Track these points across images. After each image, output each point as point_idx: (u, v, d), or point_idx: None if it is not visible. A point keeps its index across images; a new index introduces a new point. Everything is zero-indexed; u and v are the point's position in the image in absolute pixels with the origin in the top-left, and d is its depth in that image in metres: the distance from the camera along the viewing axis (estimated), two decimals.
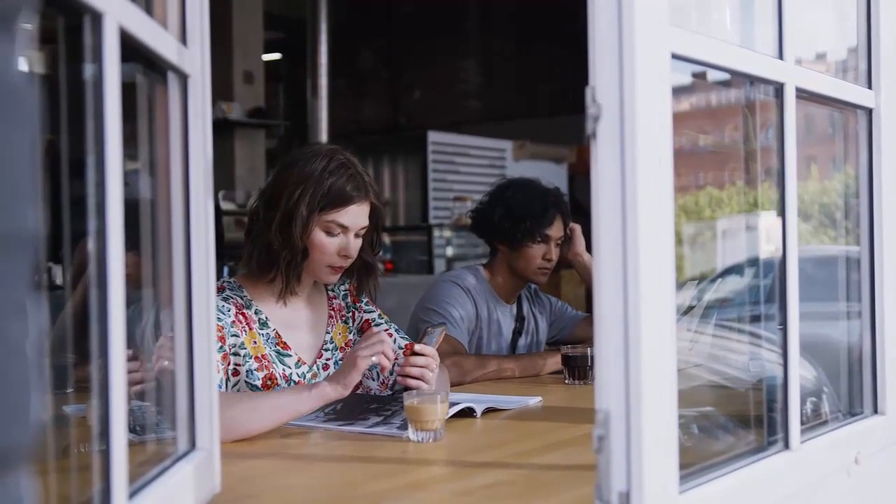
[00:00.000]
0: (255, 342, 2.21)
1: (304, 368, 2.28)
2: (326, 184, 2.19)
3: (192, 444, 1.38)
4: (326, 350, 2.36)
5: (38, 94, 0.62)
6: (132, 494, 1.10)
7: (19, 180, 0.59)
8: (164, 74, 1.34)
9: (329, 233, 2.22)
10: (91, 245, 1.03)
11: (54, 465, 1.22)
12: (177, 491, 1.26)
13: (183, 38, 1.36)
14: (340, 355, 2.37)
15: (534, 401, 2.37)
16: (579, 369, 2.67)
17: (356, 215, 2.24)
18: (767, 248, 2.00)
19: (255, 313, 2.24)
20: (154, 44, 1.20)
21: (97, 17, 1.00)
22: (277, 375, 2.21)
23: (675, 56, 1.25)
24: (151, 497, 1.15)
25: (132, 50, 1.13)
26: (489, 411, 2.21)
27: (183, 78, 1.36)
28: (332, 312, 2.41)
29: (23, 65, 0.61)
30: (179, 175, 1.37)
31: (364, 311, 2.46)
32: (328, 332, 2.37)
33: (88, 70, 1.03)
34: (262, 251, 2.22)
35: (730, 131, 2.10)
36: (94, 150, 1.02)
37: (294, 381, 2.24)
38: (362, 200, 2.24)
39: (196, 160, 1.38)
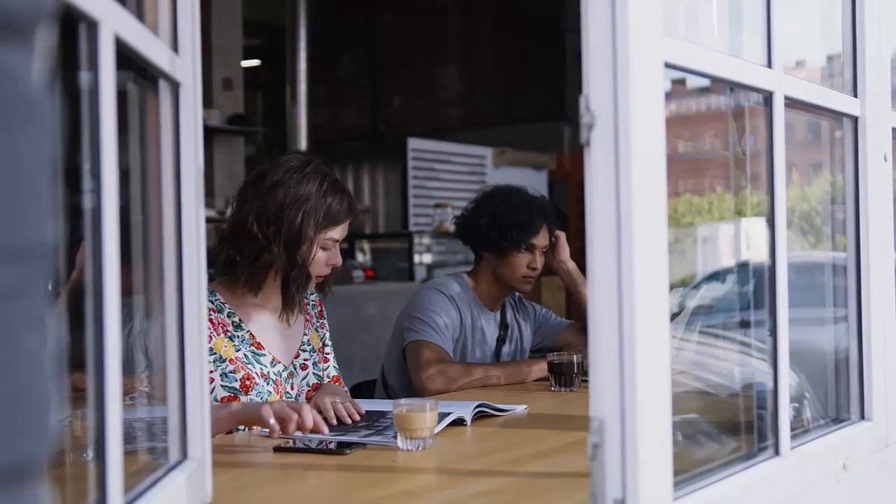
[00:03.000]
0: (226, 346, 2.26)
1: (280, 367, 2.35)
2: (326, 204, 2.29)
3: (184, 454, 1.37)
4: (304, 350, 2.44)
5: (55, 105, 0.62)
6: None
7: (38, 191, 0.58)
8: (155, 82, 1.33)
9: (324, 248, 2.33)
10: (87, 254, 1.02)
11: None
12: (169, 501, 1.25)
13: (175, 47, 1.35)
14: (317, 357, 2.47)
15: (520, 409, 2.37)
16: (565, 376, 2.68)
17: (345, 228, 2.37)
18: (749, 255, 2.01)
19: (228, 316, 2.31)
20: (147, 52, 1.19)
21: (93, 26, 1.00)
22: (255, 374, 2.28)
23: (667, 65, 1.26)
24: None
25: (124, 57, 1.12)
26: (479, 416, 2.21)
27: (175, 86, 1.35)
28: (308, 316, 2.50)
29: (40, 75, 0.60)
30: (170, 183, 1.36)
31: (326, 329, 2.57)
32: (305, 334, 2.46)
33: (83, 77, 1.02)
34: (262, 270, 2.29)
35: (709, 138, 2.11)
36: (90, 158, 1.01)
37: (272, 380, 2.31)
38: (353, 215, 2.38)
39: (188, 168, 1.37)
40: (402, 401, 1.97)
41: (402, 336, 2.96)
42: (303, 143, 8.93)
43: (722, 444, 1.71)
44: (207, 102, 7.42)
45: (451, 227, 3.19)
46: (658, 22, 1.22)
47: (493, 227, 3.03)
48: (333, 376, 2.49)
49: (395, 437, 1.91)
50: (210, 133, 7.48)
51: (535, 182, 7.67)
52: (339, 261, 2.37)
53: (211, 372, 2.20)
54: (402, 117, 10.15)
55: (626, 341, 1.17)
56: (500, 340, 3.16)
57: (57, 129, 0.62)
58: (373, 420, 2.17)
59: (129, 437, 1.42)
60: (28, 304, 0.58)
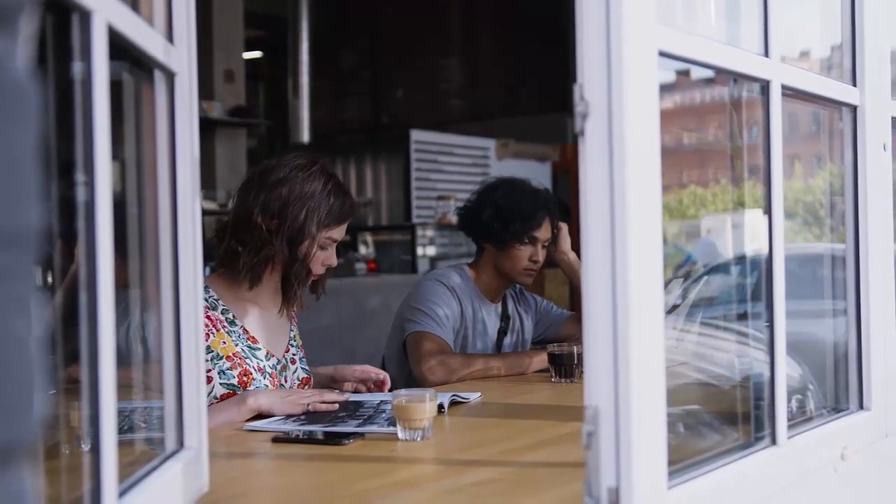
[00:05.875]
0: (224, 342, 2.29)
1: (274, 361, 2.39)
2: (329, 204, 2.33)
3: (181, 444, 1.38)
4: (292, 346, 2.49)
5: (38, 92, 0.62)
6: (121, 494, 1.10)
7: (23, 177, 0.59)
8: (150, 73, 1.33)
9: (322, 247, 2.36)
10: (80, 246, 1.02)
11: (41, 464, 1.22)
12: (166, 490, 1.26)
13: (170, 36, 1.35)
14: (302, 353, 2.52)
15: (475, 396, 2.41)
16: (565, 367, 2.68)
17: (344, 230, 2.41)
18: (752, 247, 2.01)
19: (222, 313, 2.33)
20: (141, 42, 1.19)
21: (86, 15, 1.00)
22: (252, 369, 2.31)
23: (662, 53, 1.26)
24: (141, 496, 1.15)
25: (118, 48, 1.12)
26: (454, 404, 2.26)
27: (170, 76, 1.35)
28: (293, 314, 2.53)
29: (24, 62, 0.60)
30: (166, 174, 1.36)
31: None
32: (292, 330, 2.51)
33: (76, 68, 1.02)
34: (263, 263, 2.32)
35: (713, 129, 2.10)
36: (83, 149, 1.01)
37: (268, 373, 2.34)
38: (353, 217, 2.42)
39: (183, 159, 1.37)
40: (402, 391, 1.98)
41: (402, 327, 2.96)
42: (305, 136, 8.94)
43: (720, 434, 1.71)
44: (209, 94, 7.43)
45: (454, 219, 3.20)
46: (652, 10, 1.22)
47: (495, 219, 3.02)
48: (303, 378, 2.50)
49: (388, 423, 1.92)
50: (212, 125, 7.48)
51: (538, 174, 7.67)
52: (334, 261, 2.41)
53: (209, 371, 2.22)
54: (404, 109, 10.16)
55: (621, 329, 1.17)
56: (502, 332, 3.16)
57: (41, 116, 0.62)
58: (353, 410, 2.17)
59: (129, 428, 1.42)
60: (13, 289, 0.59)
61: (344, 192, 2.39)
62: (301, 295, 2.42)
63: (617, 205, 1.17)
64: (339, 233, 2.38)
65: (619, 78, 1.17)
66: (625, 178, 1.17)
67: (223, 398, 2.23)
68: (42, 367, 0.62)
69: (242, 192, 2.36)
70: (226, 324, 2.32)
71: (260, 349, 2.36)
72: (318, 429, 1.99)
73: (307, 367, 2.51)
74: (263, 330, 2.40)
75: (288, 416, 2.12)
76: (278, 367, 2.39)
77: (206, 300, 2.30)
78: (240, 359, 2.29)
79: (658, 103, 1.24)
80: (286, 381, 2.41)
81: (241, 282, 2.34)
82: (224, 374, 2.26)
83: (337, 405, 2.19)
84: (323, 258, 2.37)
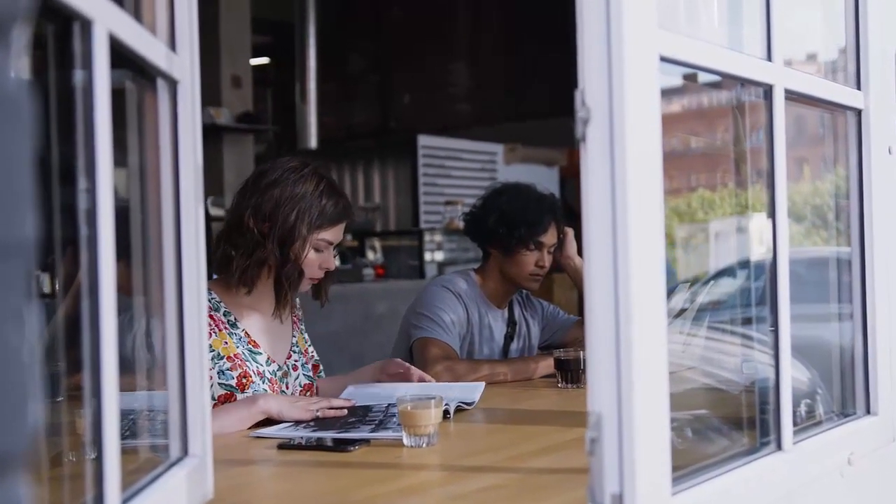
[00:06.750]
0: (225, 343, 2.30)
1: (275, 367, 2.38)
2: (321, 205, 2.32)
3: (185, 451, 1.38)
4: (294, 352, 2.48)
5: (33, 102, 0.62)
6: (125, 501, 1.10)
7: (17, 187, 0.59)
8: (153, 80, 1.33)
9: (317, 249, 2.35)
10: (82, 253, 1.02)
11: (46, 472, 1.22)
12: (169, 498, 1.26)
13: (172, 44, 1.36)
14: (304, 359, 2.50)
15: (478, 389, 2.42)
16: (572, 373, 2.67)
17: (341, 232, 2.39)
18: (759, 250, 2.01)
19: (224, 315, 2.34)
20: (143, 50, 1.20)
21: (87, 24, 1.00)
22: (251, 372, 2.31)
23: (663, 59, 1.26)
24: None
25: (121, 56, 1.12)
26: (459, 410, 2.26)
27: (172, 84, 1.36)
28: (295, 320, 2.53)
29: (19, 72, 0.61)
30: (169, 181, 1.37)
31: (305, 333, 2.59)
32: (294, 337, 2.50)
33: (78, 76, 1.02)
34: (256, 266, 2.31)
35: (721, 133, 2.10)
36: (85, 157, 1.01)
37: (267, 378, 2.34)
38: (348, 219, 2.40)
39: (186, 166, 1.38)
40: (407, 397, 1.97)
41: (408, 333, 2.96)
42: (312, 141, 8.94)
43: (726, 439, 1.71)
44: (216, 101, 7.42)
45: (461, 224, 3.23)
46: (653, 15, 1.22)
47: (501, 224, 3.02)
48: (305, 384, 2.50)
49: (400, 428, 1.92)
50: (219, 131, 7.48)
51: (546, 178, 7.67)
52: (331, 265, 2.40)
53: (209, 369, 2.22)
54: (412, 114, 10.15)
55: (623, 335, 1.17)
56: (509, 337, 3.16)
57: (38, 125, 0.62)
58: (362, 415, 2.17)
59: (131, 434, 1.42)
60: (8, 299, 0.59)
61: (337, 194, 2.37)
62: (293, 298, 2.42)
63: (619, 210, 1.17)
64: (333, 235, 2.36)
65: (621, 83, 1.17)
66: (626, 182, 1.16)
67: (221, 399, 2.24)
68: (37, 376, 0.62)
69: (238, 197, 2.37)
70: (227, 325, 2.32)
71: (261, 354, 2.35)
72: (329, 435, 1.99)
73: (310, 374, 2.50)
74: (265, 335, 2.39)
75: (297, 423, 2.12)
76: (279, 373, 2.39)
77: (210, 301, 2.30)
78: (240, 360, 2.29)
79: (659, 108, 1.24)
80: (287, 388, 2.40)
81: (238, 287, 2.33)
82: (223, 374, 2.26)
83: (346, 411, 2.19)
84: (320, 261, 2.35)
